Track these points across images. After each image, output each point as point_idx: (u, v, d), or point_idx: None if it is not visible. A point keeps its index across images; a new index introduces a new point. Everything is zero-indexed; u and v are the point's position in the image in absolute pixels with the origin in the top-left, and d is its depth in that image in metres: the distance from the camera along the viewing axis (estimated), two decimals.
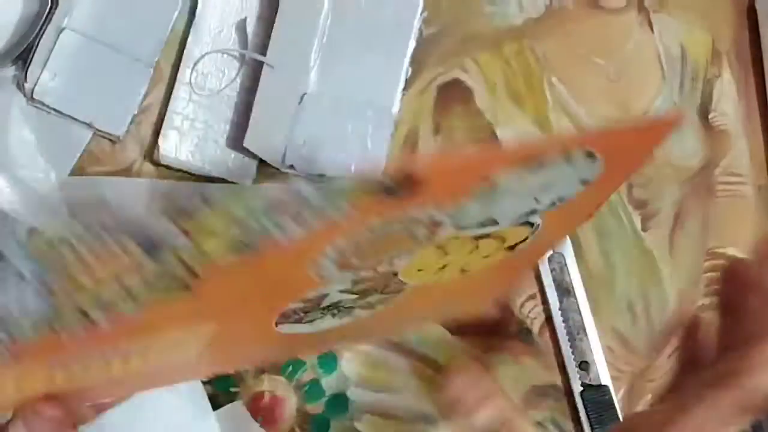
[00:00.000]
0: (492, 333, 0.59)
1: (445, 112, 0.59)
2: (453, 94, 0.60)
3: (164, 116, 0.54)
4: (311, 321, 0.38)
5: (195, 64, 0.55)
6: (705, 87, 0.62)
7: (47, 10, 0.52)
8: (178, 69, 0.55)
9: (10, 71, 0.53)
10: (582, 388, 0.57)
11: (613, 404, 0.57)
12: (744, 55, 0.63)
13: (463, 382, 0.40)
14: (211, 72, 0.56)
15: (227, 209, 0.27)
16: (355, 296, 0.36)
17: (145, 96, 0.54)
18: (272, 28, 0.55)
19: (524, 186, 0.31)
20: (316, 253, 0.31)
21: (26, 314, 0.28)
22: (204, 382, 0.50)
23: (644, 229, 0.60)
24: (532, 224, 0.35)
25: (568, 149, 0.30)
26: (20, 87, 0.52)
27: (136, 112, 0.54)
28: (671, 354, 0.60)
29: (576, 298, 0.58)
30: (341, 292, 0.36)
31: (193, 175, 0.55)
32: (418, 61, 0.59)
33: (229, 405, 0.51)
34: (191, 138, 0.54)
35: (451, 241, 0.34)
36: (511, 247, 0.36)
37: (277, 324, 0.36)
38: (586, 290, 0.58)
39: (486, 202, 0.31)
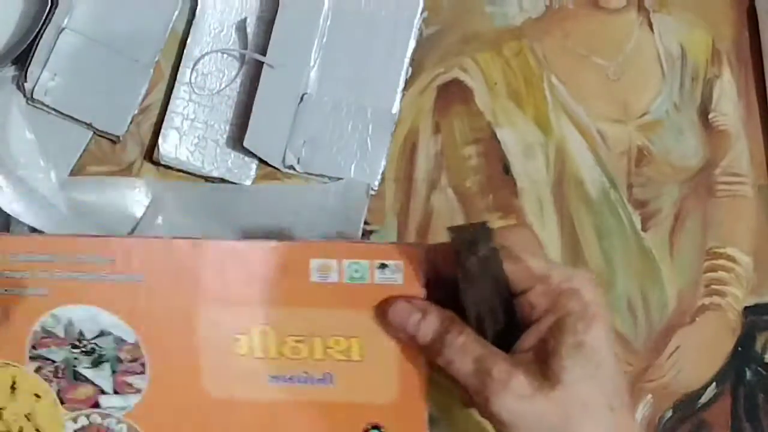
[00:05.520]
0: None
1: (445, 112, 0.59)
2: (453, 94, 0.60)
3: (164, 116, 0.54)
4: None
5: (195, 64, 0.55)
6: (705, 87, 0.62)
7: (47, 10, 0.52)
8: (178, 69, 0.55)
9: (10, 71, 0.53)
10: None
11: None
12: (744, 55, 0.63)
13: (398, 312, 0.44)
14: (211, 72, 0.56)
15: None
16: None
17: (145, 96, 0.54)
18: (272, 28, 0.55)
19: None
20: None
21: None
22: None
23: (644, 229, 0.60)
24: None
25: None
26: (20, 87, 0.52)
27: (136, 112, 0.54)
28: (671, 354, 0.60)
29: None
30: None
31: (193, 175, 0.55)
32: (418, 61, 0.59)
33: None
34: (191, 138, 0.54)
35: None
36: None
37: None
38: None
39: None
